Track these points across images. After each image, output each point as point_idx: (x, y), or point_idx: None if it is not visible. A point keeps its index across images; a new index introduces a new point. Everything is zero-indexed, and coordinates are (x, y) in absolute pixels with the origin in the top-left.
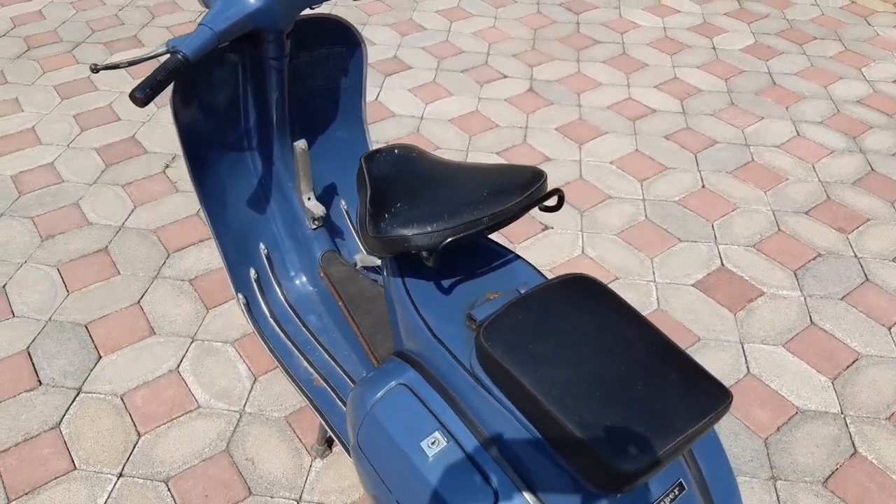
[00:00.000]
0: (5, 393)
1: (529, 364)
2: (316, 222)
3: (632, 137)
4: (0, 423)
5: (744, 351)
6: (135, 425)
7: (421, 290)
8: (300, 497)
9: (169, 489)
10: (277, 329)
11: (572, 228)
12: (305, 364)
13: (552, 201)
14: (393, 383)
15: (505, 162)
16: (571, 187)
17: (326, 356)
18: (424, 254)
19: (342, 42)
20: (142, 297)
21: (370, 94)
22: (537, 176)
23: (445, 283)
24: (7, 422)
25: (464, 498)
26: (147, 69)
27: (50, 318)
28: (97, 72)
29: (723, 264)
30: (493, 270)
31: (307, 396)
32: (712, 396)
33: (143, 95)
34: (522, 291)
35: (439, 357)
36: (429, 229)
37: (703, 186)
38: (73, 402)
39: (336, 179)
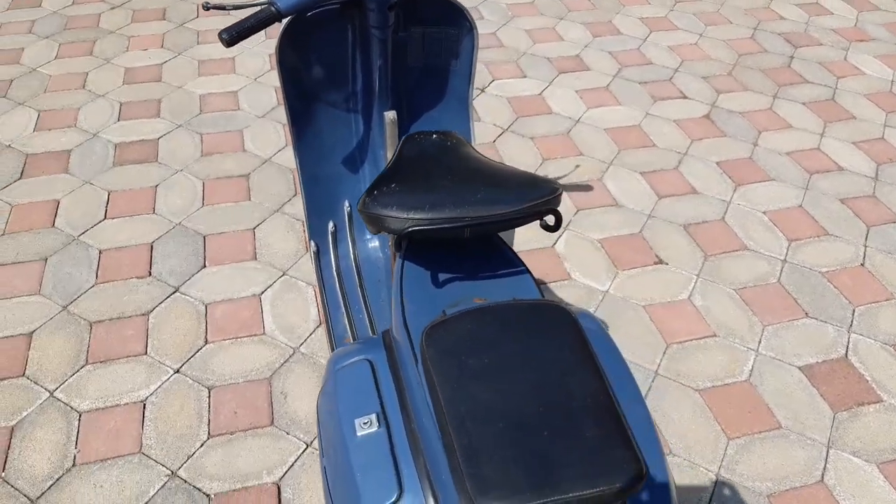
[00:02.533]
0: (121, 275)
1: (452, 375)
2: None
3: (800, 191)
4: (106, 298)
5: (826, 456)
6: (206, 333)
7: (413, 277)
8: (311, 442)
9: (209, 396)
10: (337, 283)
11: (689, 270)
12: (346, 322)
13: (550, 219)
14: (361, 357)
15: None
16: (707, 228)
17: (367, 321)
18: (391, 238)
19: (455, 24)
20: (258, 224)
21: (536, 88)
22: (547, 192)
23: (441, 276)
24: (112, 298)
25: (371, 485)
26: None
27: (180, 223)
28: (207, 9)
29: (846, 356)
30: (493, 277)
31: (333, 350)
32: (618, 471)
33: (229, 37)
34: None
35: (403, 345)
36: (402, 216)
37: (863, 264)
38: (167, 297)
39: None
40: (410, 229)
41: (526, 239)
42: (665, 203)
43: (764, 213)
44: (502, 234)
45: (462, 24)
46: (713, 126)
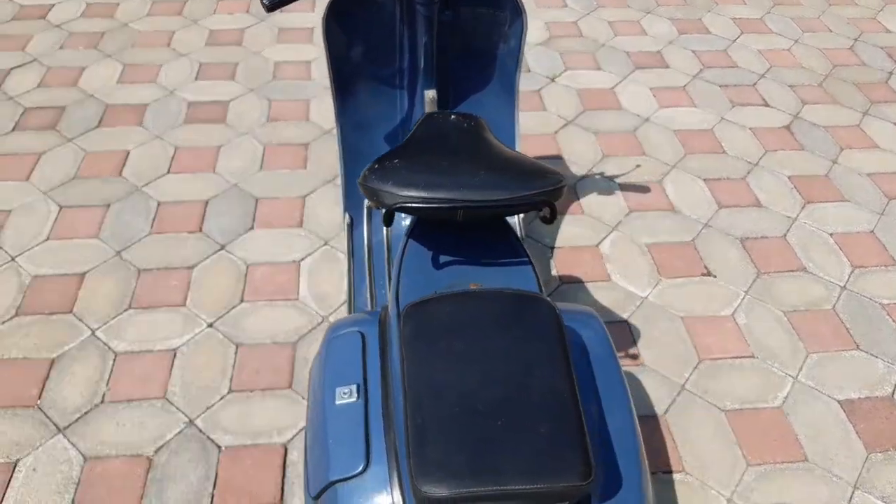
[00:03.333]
0: (174, 227)
1: (421, 353)
2: None
3: (875, 216)
4: (157, 248)
5: (851, 497)
6: (243, 292)
7: (415, 255)
8: None
9: (236, 353)
10: (366, 256)
11: (737, 286)
12: (368, 295)
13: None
14: (355, 329)
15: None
16: (765, 244)
17: (390, 296)
18: (383, 212)
19: (504, 7)
20: (309, 193)
21: (609, 81)
22: (548, 183)
23: (443, 258)
24: (162, 249)
25: (340, 454)
26: None
27: (236, 184)
28: None
29: (893, 395)
30: (495, 265)
31: None
32: (563, 471)
33: (270, 3)
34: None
35: (393, 320)
36: (395, 191)
37: None
38: (213, 254)
39: None
40: (399, 205)
41: (572, 235)
42: (724, 213)
43: (830, 234)
44: (516, 226)
45: (511, 7)
46: (792, 138)
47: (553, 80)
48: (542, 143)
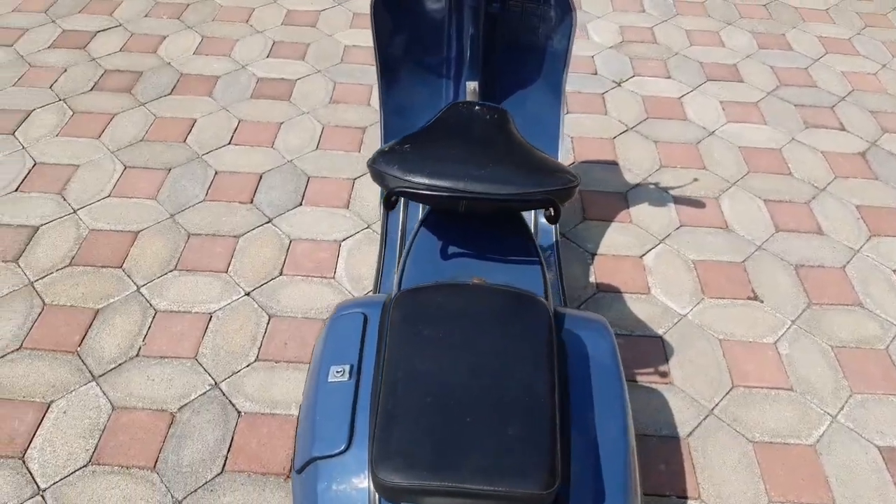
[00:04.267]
0: (226, 197)
1: (403, 340)
2: None
3: None
4: (208, 215)
5: None
6: (283, 265)
7: (425, 243)
8: None
9: (267, 323)
10: (399, 240)
11: (784, 314)
12: (396, 279)
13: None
14: (359, 310)
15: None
16: (821, 273)
17: (395, 281)
18: (384, 195)
19: (554, 4)
20: (359, 177)
21: (677, 91)
22: (555, 183)
23: (452, 249)
24: (212, 217)
25: (324, 432)
26: None
27: (291, 161)
28: None
29: None
30: (503, 262)
31: None
32: (525, 476)
33: None
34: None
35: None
36: (399, 176)
37: None
38: (259, 226)
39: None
40: (399, 189)
41: (616, 243)
42: (781, 237)
43: (894, 271)
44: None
45: (561, 3)
46: (866, 166)
47: (619, 84)
48: (599, 147)
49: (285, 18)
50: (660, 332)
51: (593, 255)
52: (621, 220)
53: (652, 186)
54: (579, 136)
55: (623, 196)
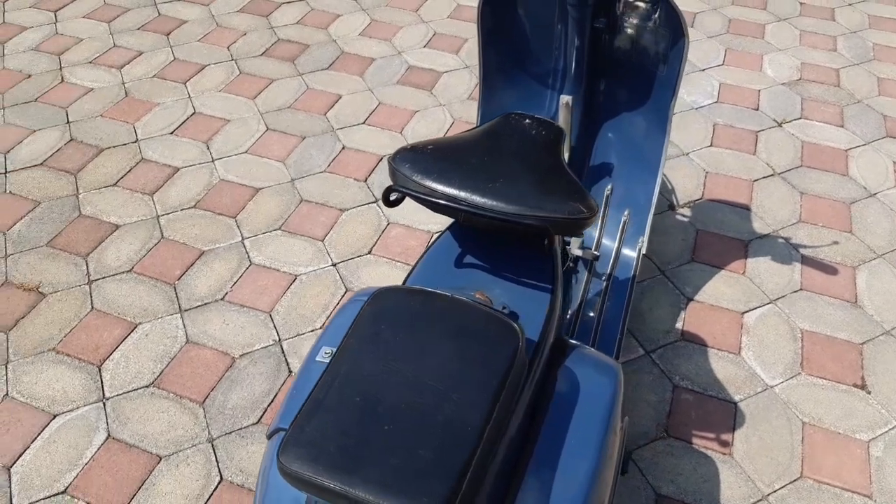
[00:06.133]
0: (345, 172)
1: (361, 337)
2: None
3: None
4: (324, 185)
5: None
6: (374, 245)
7: (444, 247)
8: None
9: (342, 296)
10: None
11: (891, 412)
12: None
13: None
14: (368, 298)
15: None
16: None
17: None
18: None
19: (667, 26)
20: None
21: (846, 142)
22: (557, 210)
23: (468, 259)
24: (326, 188)
25: (294, 404)
26: None
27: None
28: None
29: None
30: (515, 283)
31: None
32: (415, 499)
33: None
34: (505, 312)
35: None
36: (407, 175)
37: None
38: (365, 204)
39: (617, 160)
40: (399, 188)
41: (718, 292)
42: None
43: None
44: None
45: (674, 27)
46: None
47: (780, 124)
48: (734, 188)
49: (453, 12)
50: (736, 398)
51: (689, 300)
52: (733, 270)
53: (781, 240)
54: (716, 171)
55: (744, 244)
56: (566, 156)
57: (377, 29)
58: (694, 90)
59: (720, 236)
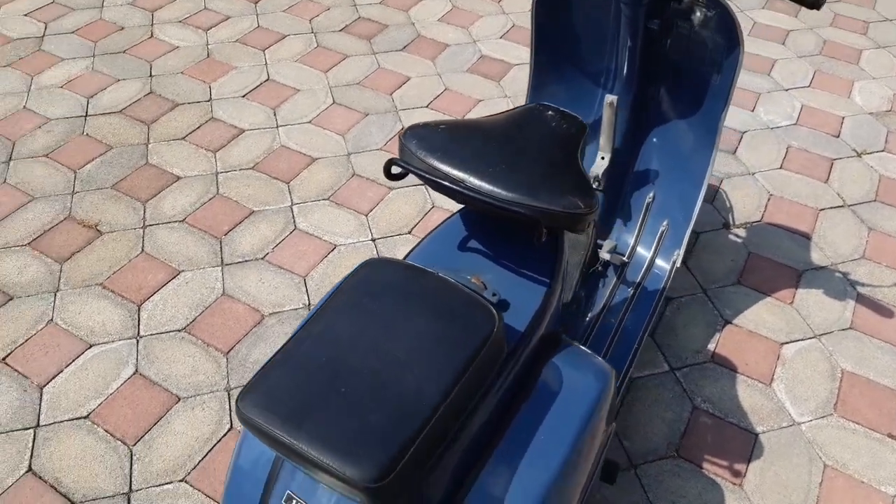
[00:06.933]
0: (395, 152)
1: (341, 301)
2: (595, 182)
3: None
4: (375, 163)
5: None
6: (415, 226)
7: (452, 228)
8: None
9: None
10: None
11: None
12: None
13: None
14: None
15: None
16: None
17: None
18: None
19: (722, 33)
20: None
21: (872, 141)
22: (550, 203)
23: (472, 243)
24: (378, 165)
25: None
26: None
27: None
28: None
29: None
30: (514, 272)
31: None
32: (358, 464)
33: None
34: (494, 299)
35: None
36: (413, 150)
37: None
38: (413, 186)
39: (662, 168)
40: (397, 161)
41: (759, 319)
42: None
43: None
44: None
45: (730, 35)
46: None
47: (859, 155)
48: (797, 214)
49: None
50: (758, 428)
51: (727, 322)
52: (780, 299)
53: (838, 274)
54: (781, 195)
55: (797, 273)
56: (607, 157)
57: (457, 16)
58: (773, 109)
59: (773, 262)
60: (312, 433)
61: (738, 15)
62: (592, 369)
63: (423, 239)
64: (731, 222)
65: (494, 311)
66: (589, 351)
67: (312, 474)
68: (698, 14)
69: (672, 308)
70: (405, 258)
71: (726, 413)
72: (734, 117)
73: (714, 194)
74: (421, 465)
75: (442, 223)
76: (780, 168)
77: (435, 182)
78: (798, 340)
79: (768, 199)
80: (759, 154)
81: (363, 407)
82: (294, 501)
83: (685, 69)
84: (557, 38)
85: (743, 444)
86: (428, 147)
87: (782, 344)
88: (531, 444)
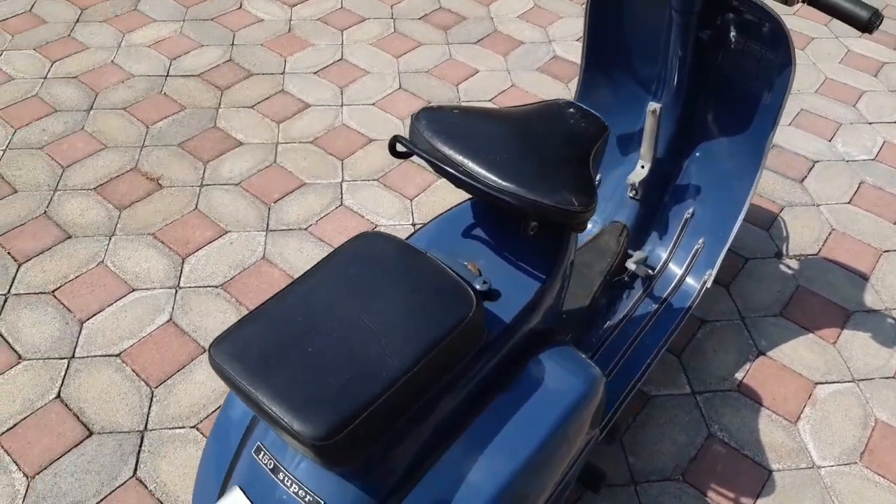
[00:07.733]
0: None
1: (329, 266)
2: (632, 191)
3: None
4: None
5: None
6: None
7: (461, 214)
8: None
9: None
10: None
11: None
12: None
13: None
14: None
15: None
16: None
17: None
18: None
19: (775, 50)
20: None
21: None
22: (543, 196)
23: (476, 231)
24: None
25: None
26: None
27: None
28: None
29: None
30: (512, 264)
31: None
32: (304, 417)
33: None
34: (485, 287)
35: None
36: (421, 131)
37: None
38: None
39: (705, 185)
40: (401, 139)
41: (795, 354)
42: None
43: None
44: None
45: (782, 52)
46: None
47: None
48: (857, 253)
49: None
50: (774, 466)
51: (760, 353)
52: (823, 337)
53: (890, 320)
54: (844, 230)
55: (846, 314)
56: (647, 166)
57: (537, 14)
58: (851, 141)
59: (822, 298)
60: (272, 386)
61: (833, 42)
62: (580, 371)
63: (429, 222)
64: (784, 252)
65: (473, 296)
66: (581, 354)
67: (270, 426)
68: (749, 26)
69: (705, 331)
70: (407, 238)
71: (742, 445)
72: (808, 145)
73: (772, 221)
74: (374, 434)
75: (450, 209)
76: (849, 203)
77: (434, 164)
78: (834, 382)
79: (829, 234)
80: (829, 186)
81: (325, 369)
82: (262, 453)
83: (735, 84)
84: (610, 41)
85: (754, 480)
86: (435, 129)
87: (816, 383)
88: (500, 433)
